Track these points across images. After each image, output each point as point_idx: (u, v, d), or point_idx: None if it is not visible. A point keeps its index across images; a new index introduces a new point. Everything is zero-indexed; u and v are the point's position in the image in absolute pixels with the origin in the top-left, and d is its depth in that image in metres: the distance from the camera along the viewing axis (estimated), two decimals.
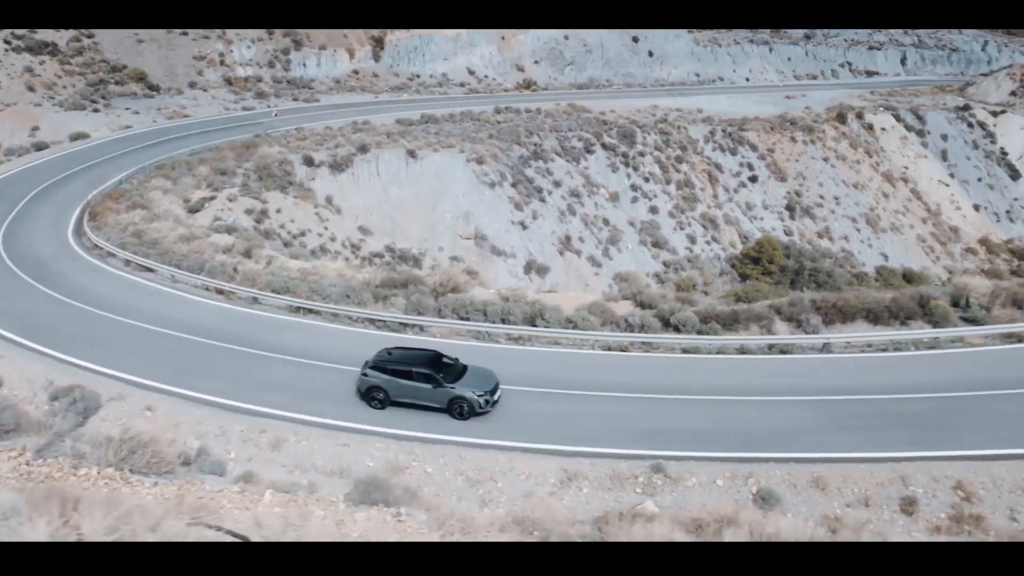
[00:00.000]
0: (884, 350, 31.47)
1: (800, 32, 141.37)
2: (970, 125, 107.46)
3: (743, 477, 24.12)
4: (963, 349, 31.45)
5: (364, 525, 15.17)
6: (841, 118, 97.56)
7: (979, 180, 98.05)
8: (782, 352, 31.40)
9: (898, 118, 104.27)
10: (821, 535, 19.58)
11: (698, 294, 60.86)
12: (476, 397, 26.63)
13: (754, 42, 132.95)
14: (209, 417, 27.21)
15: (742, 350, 31.56)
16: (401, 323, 34.16)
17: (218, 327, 34.17)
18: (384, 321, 34.40)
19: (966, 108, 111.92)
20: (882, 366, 30.27)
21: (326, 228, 55.74)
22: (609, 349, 32.32)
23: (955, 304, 33.89)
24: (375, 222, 61.13)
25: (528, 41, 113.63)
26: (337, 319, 35.26)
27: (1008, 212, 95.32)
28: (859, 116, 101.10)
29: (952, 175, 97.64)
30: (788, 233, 78.37)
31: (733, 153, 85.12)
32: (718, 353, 31.47)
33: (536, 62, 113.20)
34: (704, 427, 26.17)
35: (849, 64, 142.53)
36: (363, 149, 65.92)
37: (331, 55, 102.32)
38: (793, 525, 20.67)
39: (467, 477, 24.38)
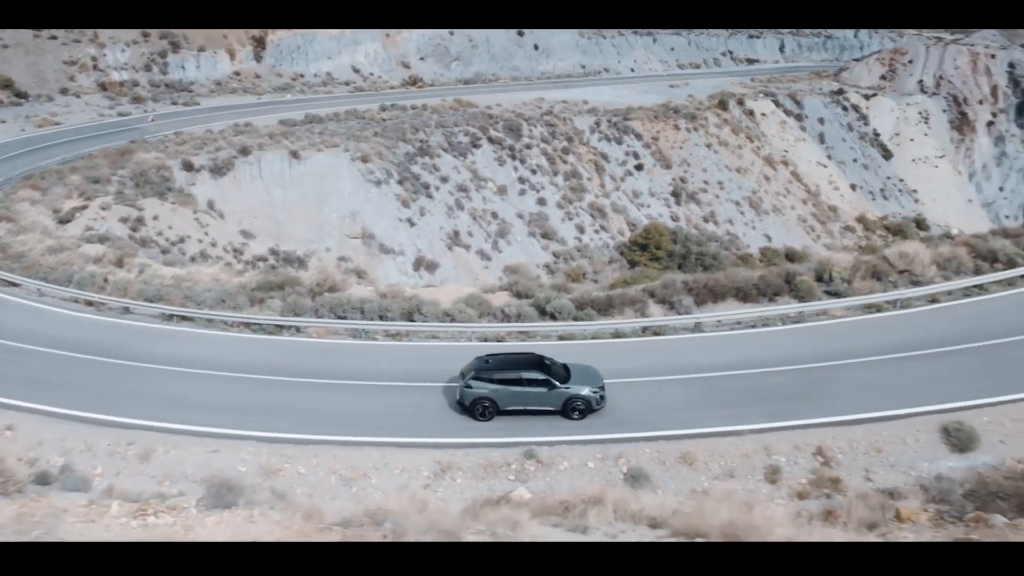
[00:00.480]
0: (753, 326, 32.47)
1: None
2: (844, 108, 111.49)
3: (614, 458, 24.56)
4: (826, 321, 32.67)
5: (213, 529, 14.90)
6: (723, 105, 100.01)
7: (855, 161, 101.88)
8: (656, 334, 32.08)
9: (777, 103, 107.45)
10: (687, 509, 20.14)
11: (589, 283, 61.85)
12: (592, 394, 25.99)
13: (638, 33, 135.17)
14: (74, 433, 26.25)
15: (617, 334, 32.11)
16: (277, 325, 33.64)
17: (86, 340, 33.03)
18: (260, 324, 33.81)
19: (840, 92, 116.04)
20: (750, 342, 31.23)
21: (207, 233, 54.42)
22: (486, 340, 32.46)
23: (819, 279, 35.17)
24: (259, 225, 59.97)
25: (413, 38, 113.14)
26: (212, 325, 34.51)
27: (882, 190, 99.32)
28: (740, 103, 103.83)
29: (830, 157, 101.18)
30: (675, 219, 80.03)
31: (619, 143, 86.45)
32: (593, 338, 31.95)
33: (422, 59, 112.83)
34: None
35: (730, 52, 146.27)
36: (245, 151, 64.57)
37: (211, 57, 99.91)
38: (660, 501, 21.23)
39: (340, 476, 24.18)
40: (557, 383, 25.91)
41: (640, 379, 28.47)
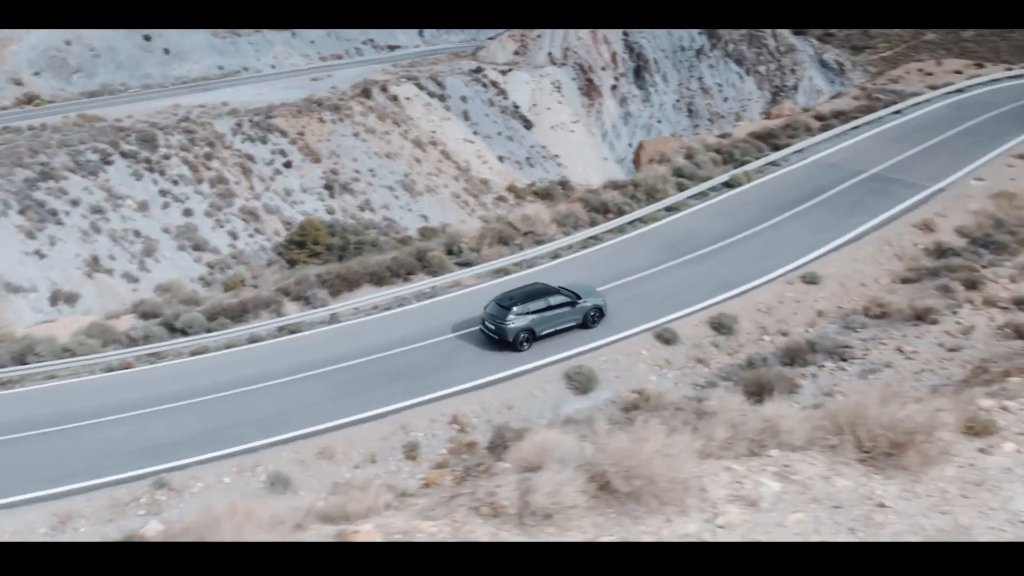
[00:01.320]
0: (389, 309, 32.53)
1: None
2: (484, 85, 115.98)
3: (251, 468, 23.51)
4: (460, 292, 33.45)
5: None
6: (366, 93, 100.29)
7: (499, 134, 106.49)
8: (292, 332, 31.20)
9: (421, 87, 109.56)
10: (331, 505, 19.56)
11: (249, 289, 59.54)
12: (602, 303, 29.59)
13: (275, 29, 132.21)
14: None
15: (253, 339, 30.87)
16: None
17: None
18: None
19: (479, 70, 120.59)
20: (387, 325, 31.25)
21: None
22: (112, 370, 29.91)
23: (450, 252, 35.96)
24: None
25: (23, 51, 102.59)
26: None
27: (528, 159, 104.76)
28: (384, 89, 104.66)
29: (476, 133, 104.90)
30: (331, 212, 79.20)
31: (264, 142, 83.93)
32: (228, 348, 30.47)
33: (36, 73, 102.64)
34: (210, 428, 25.11)
35: (372, 41, 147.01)
36: None
37: None
38: (294, 504, 20.48)
39: None
40: (578, 300, 28.95)
41: (278, 380, 27.54)
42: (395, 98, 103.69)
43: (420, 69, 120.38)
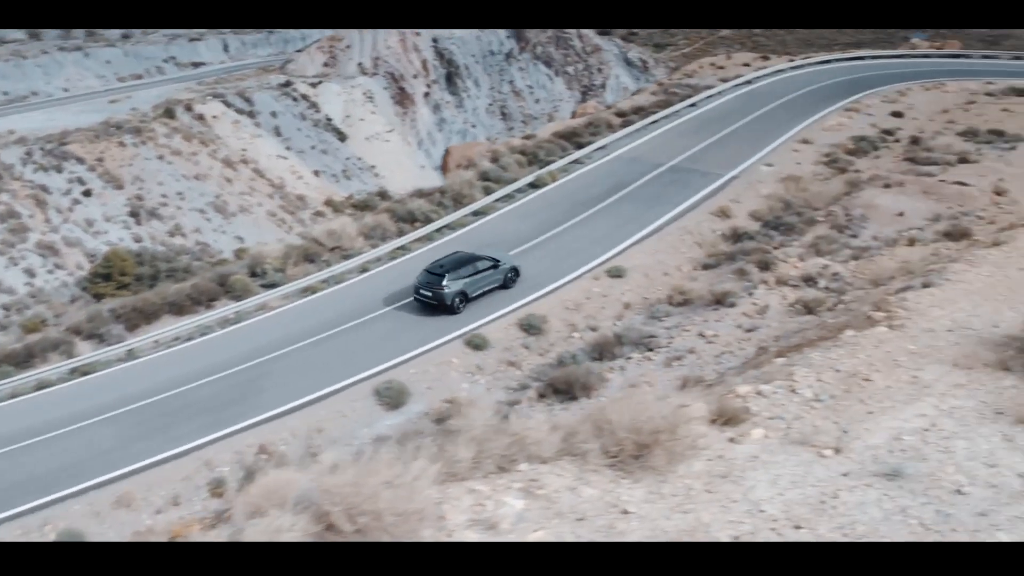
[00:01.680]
0: (192, 339, 31.02)
1: (117, 33, 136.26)
2: (295, 99, 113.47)
3: (37, 528, 21.76)
4: (267, 314, 32.30)
5: None
6: (170, 113, 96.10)
7: (313, 148, 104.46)
8: (85, 374, 29.22)
9: (228, 104, 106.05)
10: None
11: (51, 329, 55.65)
12: (517, 264, 32.43)
13: (66, 49, 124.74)
14: None
15: (41, 385, 28.71)
16: None
17: None
18: None
19: (288, 84, 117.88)
20: (189, 356, 29.78)
21: None
22: None
23: (254, 274, 34.70)
24: None
25: None
26: None
27: (344, 171, 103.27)
28: (189, 108, 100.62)
29: (289, 148, 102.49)
30: (138, 240, 75.34)
31: (59, 171, 78.93)
32: (13, 397, 28.19)
33: None
34: None
35: (174, 59, 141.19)
36: None
37: None
38: None
39: None
40: (499, 263, 31.46)
41: (69, 428, 25.68)
42: (201, 117, 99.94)
43: (227, 86, 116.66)
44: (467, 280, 30.44)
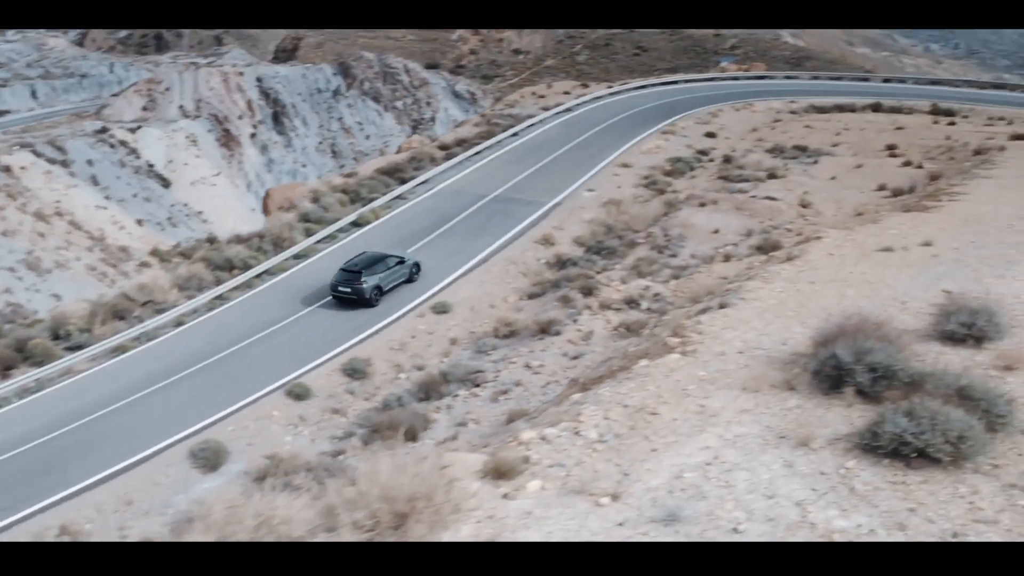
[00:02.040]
0: None
1: None
2: (112, 146, 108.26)
3: None
4: (74, 378, 30.12)
5: None
6: None
7: (135, 196, 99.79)
8: None
9: (38, 153, 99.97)
10: None
11: None
12: (419, 261, 35.76)
13: None
14: None
15: None
16: None
17: None
18: None
19: (105, 130, 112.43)
20: None
21: None
22: None
23: (57, 337, 32.35)
24: None
25: None
26: None
27: (169, 219, 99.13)
28: None
29: (108, 197, 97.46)
30: None
31: None
32: None
33: None
34: None
35: None
36: None
37: None
38: None
39: None
40: (405, 260, 34.83)
41: None
42: (8, 169, 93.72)
43: (36, 134, 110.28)
44: (381, 275, 33.50)
